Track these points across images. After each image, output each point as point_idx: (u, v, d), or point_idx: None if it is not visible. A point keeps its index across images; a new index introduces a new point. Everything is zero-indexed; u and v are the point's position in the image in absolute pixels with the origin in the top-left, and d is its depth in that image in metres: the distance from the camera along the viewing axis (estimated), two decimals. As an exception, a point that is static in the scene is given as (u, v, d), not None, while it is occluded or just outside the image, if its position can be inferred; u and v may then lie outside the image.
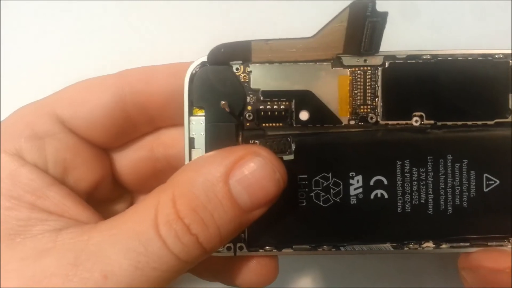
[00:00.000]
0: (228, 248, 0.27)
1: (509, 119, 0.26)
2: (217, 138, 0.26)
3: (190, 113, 0.27)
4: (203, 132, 0.26)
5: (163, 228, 0.22)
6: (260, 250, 0.27)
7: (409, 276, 0.37)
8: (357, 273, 0.37)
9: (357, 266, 0.37)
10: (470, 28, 0.36)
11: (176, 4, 0.37)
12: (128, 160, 0.30)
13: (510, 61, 0.26)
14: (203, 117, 0.26)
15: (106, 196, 0.30)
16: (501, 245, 0.27)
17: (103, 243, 0.22)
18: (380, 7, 0.24)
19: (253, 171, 0.23)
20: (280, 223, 0.27)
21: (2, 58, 0.37)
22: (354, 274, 0.37)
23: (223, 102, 0.26)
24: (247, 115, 0.26)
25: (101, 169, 0.29)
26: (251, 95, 0.26)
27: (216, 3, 0.37)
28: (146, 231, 0.22)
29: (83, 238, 0.23)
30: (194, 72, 0.26)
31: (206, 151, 0.26)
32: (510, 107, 0.26)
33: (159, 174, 0.30)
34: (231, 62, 0.26)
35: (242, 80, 0.26)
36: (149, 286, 0.22)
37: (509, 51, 0.26)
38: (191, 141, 0.27)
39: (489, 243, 0.27)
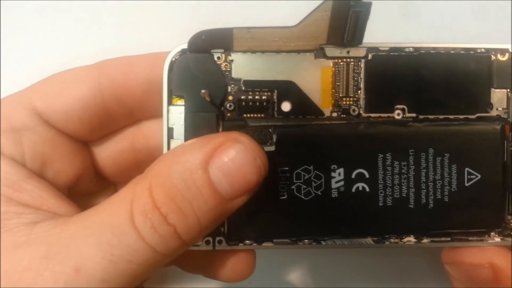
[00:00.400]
0: (207, 242, 0.26)
1: (490, 114, 0.26)
2: (197, 128, 0.26)
3: (169, 102, 0.26)
4: (182, 122, 0.26)
5: (139, 219, 0.22)
6: (240, 244, 0.26)
7: (395, 273, 0.37)
8: (340, 268, 0.37)
9: (339, 262, 0.37)
10: (470, 28, 0.36)
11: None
12: (109, 152, 0.29)
13: (492, 55, 0.26)
14: (183, 107, 0.26)
15: (90, 189, 0.30)
16: (482, 240, 0.27)
17: (76, 235, 0.22)
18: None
19: (233, 157, 0.23)
20: (260, 217, 0.26)
21: (2, 58, 0.36)
22: (340, 270, 0.38)
23: (203, 91, 0.25)
24: (228, 105, 0.26)
25: (81, 162, 0.28)
26: (232, 85, 0.26)
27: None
28: (120, 223, 0.22)
29: (56, 230, 0.22)
30: (173, 59, 0.26)
31: (186, 141, 0.25)
32: (491, 101, 0.26)
33: (141, 165, 0.29)
34: (212, 50, 0.26)
35: (224, 69, 0.26)
36: (125, 279, 0.22)
37: (491, 46, 0.26)
38: (170, 131, 0.26)
39: (470, 238, 0.27)
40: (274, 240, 0.27)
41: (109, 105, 0.27)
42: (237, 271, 0.27)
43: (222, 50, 0.26)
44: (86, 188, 0.29)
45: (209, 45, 0.25)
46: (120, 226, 0.22)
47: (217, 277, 0.27)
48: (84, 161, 0.28)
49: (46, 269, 0.21)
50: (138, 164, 0.29)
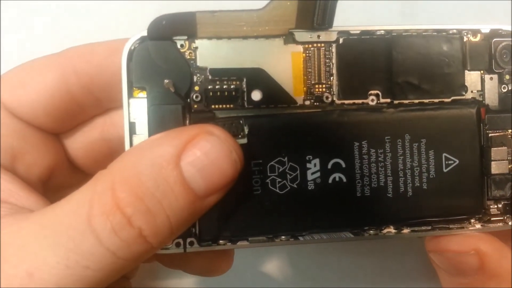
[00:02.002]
0: (177, 244, 0.24)
1: (465, 96, 0.26)
2: (161, 122, 0.24)
3: (130, 95, 0.24)
4: (145, 116, 0.24)
5: (98, 220, 0.20)
6: (213, 245, 0.25)
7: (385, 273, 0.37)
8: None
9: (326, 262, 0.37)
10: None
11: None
12: (80, 143, 0.28)
13: (464, 36, 0.26)
14: (145, 99, 0.24)
15: (67, 183, 0.28)
16: (463, 227, 0.26)
17: (32, 235, 0.20)
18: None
19: (207, 151, 0.21)
20: (234, 214, 0.25)
21: (2, 58, 0.35)
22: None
23: (166, 81, 0.23)
24: (194, 96, 0.24)
25: (53, 154, 0.27)
26: (198, 74, 0.24)
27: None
28: (77, 224, 0.20)
29: (12, 229, 0.21)
30: (132, 48, 0.24)
31: (151, 136, 0.24)
32: (466, 84, 0.26)
33: (115, 155, 0.28)
34: (174, 37, 0.24)
35: (188, 57, 0.24)
36: (82, 286, 0.20)
37: (462, 26, 0.26)
38: (132, 126, 0.24)
39: (450, 226, 0.26)
40: (249, 239, 0.25)
41: (75, 94, 0.26)
42: (214, 267, 0.26)
43: (185, 37, 0.24)
44: (62, 181, 0.28)
45: (170, 31, 0.24)
46: (77, 228, 0.20)
47: (194, 273, 0.27)
48: (56, 153, 0.27)
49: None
50: (112, 154, 0.27)
